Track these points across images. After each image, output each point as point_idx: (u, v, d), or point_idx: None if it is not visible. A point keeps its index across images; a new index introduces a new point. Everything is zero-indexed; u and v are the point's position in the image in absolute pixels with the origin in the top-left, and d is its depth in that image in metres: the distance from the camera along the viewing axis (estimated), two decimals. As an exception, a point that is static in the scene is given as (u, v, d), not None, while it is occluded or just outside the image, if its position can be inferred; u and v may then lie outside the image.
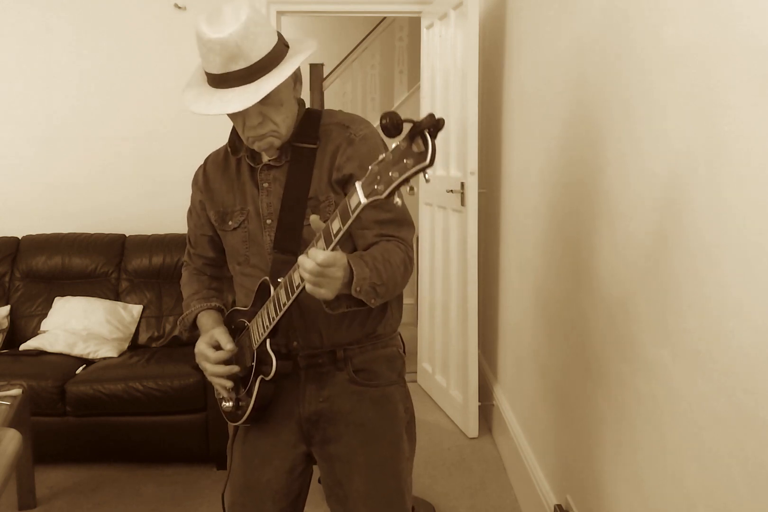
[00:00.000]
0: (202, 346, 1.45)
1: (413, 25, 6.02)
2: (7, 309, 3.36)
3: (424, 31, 3.66)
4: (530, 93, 2.55)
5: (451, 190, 3.16)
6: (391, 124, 0.96)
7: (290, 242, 1.38)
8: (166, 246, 3.52)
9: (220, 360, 1.43)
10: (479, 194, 3.04)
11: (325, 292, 1.18)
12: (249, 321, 1.43)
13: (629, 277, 1.55)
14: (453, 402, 3.33)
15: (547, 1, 2.29)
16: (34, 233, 3.60)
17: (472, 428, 3.17)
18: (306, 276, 1.15)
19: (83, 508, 2.63)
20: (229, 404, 1.45)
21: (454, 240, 3.27)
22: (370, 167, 1.03)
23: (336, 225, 1.10)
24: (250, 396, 1.40)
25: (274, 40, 1.30)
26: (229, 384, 1.43)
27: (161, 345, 3.36)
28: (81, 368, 2.99)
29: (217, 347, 1.44)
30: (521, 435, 2.67)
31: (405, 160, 0.96)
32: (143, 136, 3.77)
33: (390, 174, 0.98)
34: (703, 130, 1.20)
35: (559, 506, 2.06)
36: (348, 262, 1.20)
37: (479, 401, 3.15)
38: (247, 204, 1.46)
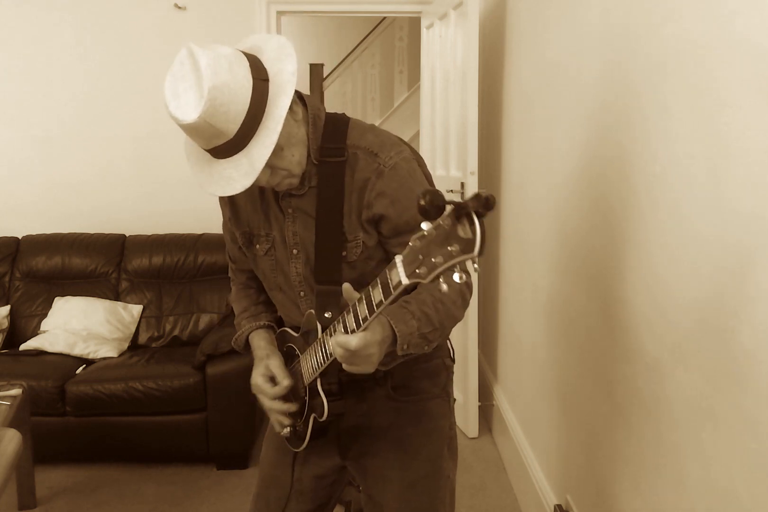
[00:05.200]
0: (259, 380, 1.39)
1: (413, 25, 6.03)
2: (7, 309, 3.37)
3: (424, 31, 3.66)
4: (530, 93, 2.55)
5: (451, 190, 3.16)
6: (432, 206, 0.86)
7: (330, 273, 1.31)
8: (166, 246, 3.52)
9: (278, 395, 1.37)
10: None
11: (364, 368, 1.15)
12: (299, 349, 1.38)
13: (629, 276, 1.55)
14: (453, 402, 3.33)
15: (547, 1, 2.29)
16: (34, 233, 3.61)
17: (472, 428, 3.17)
18: (339, 359, 1.13)
19: (83, 508, 2.63)
20: (287, 430, 1.41)
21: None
22: (410, 242, 0.92)
23: (377, 295, 1.02)
24: (307, 428, 1.37)
25: (248, 87, 1.12)
26: (287, 421, 1.39)
27: (161, 345, 3.36)
28: (81, 368, 2.99)
29: (273, 379, 1.39)
30: (521, 435, 2.67)
31: (450, 246, 0.86)
32: (143, 136, 3.77)
33: (433, 259, 0.88)
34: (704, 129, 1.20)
35: (559, 506, 2.06)
36: (389, 323, 1.16)
37: (479, 401, 3.15)
38: (272, 229, 1.38)
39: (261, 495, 1.52)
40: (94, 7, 3.68)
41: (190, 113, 1.10)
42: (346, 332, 1.13)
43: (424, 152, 3.60)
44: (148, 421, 2.86)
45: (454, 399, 1.52)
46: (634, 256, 1.52)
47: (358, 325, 1.10)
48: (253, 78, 1.14)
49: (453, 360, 1.49)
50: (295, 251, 1.36)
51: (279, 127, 1.13)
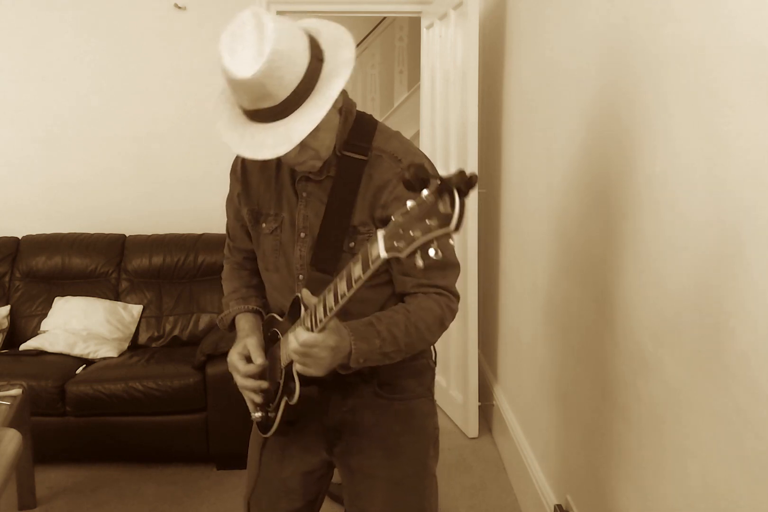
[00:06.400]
0: (234, 357, 1.41)
1: (413, 25, 6.02)
2: (7, 309, 3.36)
3: (424, 31, 3.66)
4: (531, 93, 2.55)
5: (451, 190, 3.15)
6: (415, 180, 0.87)
7: (328, 262, 1.32)
8: (166, 246, 3.52)
9: (250, 373, 1.39)
10: (479, 194, 3.04)
11: (314, 371, 1.19)
12: (281, 333, 1.39)
13: (628, 275, 1.55)
14: (453, 402, 3.33)
15: (547, 1, 2.29)
16: (34, 233, 3.60)
17: (472, 428, 3.17)
18: (292, 355, 1.18)
19: (83, 508, 2.63)
20: (258, 414, 1.43)
21: (454, 240, 3.27)
22: (393, 217, 0.94)
23: (357, 271, 1.02)
24: (277, 412, 1.38)
25: (305, 61, 1.15)
26: (258, 399, 1.40)
27: (161, 345, 3.36)
28: (81, 368, 2.99)
29: (249, 358, 1.40)
30: (521, 435, 2.67)
31: (428, 220, 0.87)
32: (143, 136, 3.77)
33: (411, 233, 0.89)
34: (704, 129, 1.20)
35: (559, 506, 2.06)
36: (349, 338, 1.21)
37: (479, 401, 3.15)
38: (282, 210, 1.39)
39: (253, 494, 1.52)
40: (94, 7, 3.68)
41: (246, 70, 1.10)
42: (313, 317, 1.16)
43: (424, 152, 3.59)
44: (148, 421, 2.85)
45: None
46: (633, 256, 1.52)
47: (325, 314, 1.13)
48: (310, 55, 1.16)
49: (435, 363, 1.50)
50: (302, 234, 1.37)
51: (328, 106, 1.15)
